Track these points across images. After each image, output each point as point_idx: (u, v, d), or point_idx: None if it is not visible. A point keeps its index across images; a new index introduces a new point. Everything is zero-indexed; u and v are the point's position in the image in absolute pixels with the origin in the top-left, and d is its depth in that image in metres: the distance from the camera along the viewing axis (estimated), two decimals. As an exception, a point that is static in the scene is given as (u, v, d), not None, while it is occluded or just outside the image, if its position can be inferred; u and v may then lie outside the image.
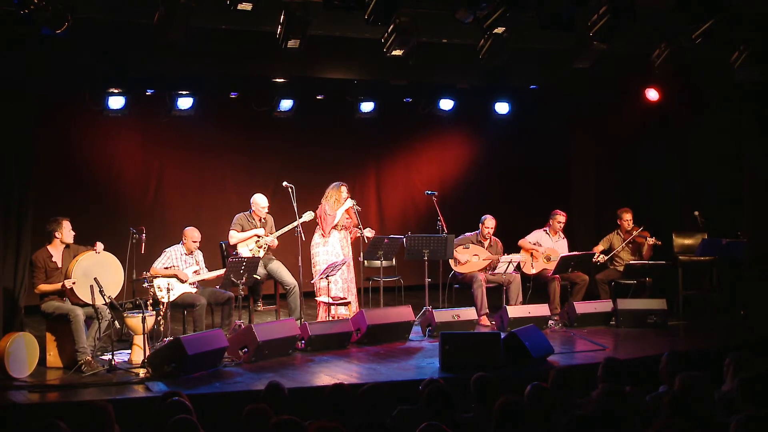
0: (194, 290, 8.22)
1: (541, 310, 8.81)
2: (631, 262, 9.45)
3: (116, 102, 9.32)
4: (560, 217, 9.71)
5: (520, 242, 9.62)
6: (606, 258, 9.60)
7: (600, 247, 9.72)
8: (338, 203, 8.98)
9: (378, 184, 11.93)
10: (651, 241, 9.43)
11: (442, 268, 9.31)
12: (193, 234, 8.36)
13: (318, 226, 9.02)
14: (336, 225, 8.96)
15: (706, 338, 8.53)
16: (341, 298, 8.82)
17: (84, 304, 7.15)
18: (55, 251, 7.33)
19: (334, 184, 9.11)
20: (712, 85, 9.88)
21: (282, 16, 6.97)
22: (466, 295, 9.32)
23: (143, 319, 7.09)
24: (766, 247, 9.57)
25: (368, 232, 8.95)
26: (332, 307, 8.73)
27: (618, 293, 9.43)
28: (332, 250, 8.92)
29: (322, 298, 8.78)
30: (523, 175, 12.13)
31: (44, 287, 7.23)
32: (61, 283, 7.18)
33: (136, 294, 8.49)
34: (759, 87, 9.24)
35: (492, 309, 9.07)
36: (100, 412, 4.20)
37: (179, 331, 8.20)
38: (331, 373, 6.98)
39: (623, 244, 9.58)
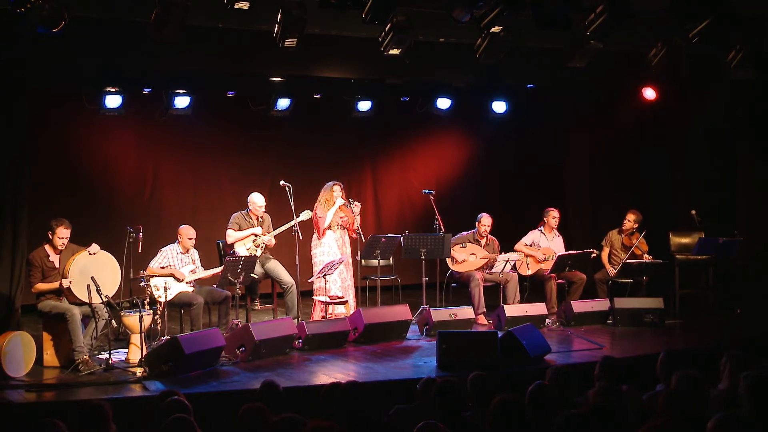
0: (191, 289, 8.21)
1: (538, 309, 8.80)
2: (628, 260, 9.47)
3: (113, 101, 9.32)
4: (554, 213, 9.67)
5: (517, 246, 9.57)
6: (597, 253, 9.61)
7: (605, 251, 9.70)
8: (329, 204, 8.98)
9: (375, 183, 11.93)
10: (647, 258, 9.42)
11: (439, 267, 9.29)
12: (188, 232, 8.33)
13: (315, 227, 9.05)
14: (329, 226, 8.97)
15: (703, 337, 8.55)
16: (339, 297, 8.82)
17: (81, 303, 7.14)
18: (52, 251, 7.31)
19: (327, 184, 9.12)
20: (707, 84, 9.89)
21: (279, 15, 6.97)
22: (464, 294, 9.32)
23: (140, 318, 7.08)
24: (762, 245, 9.59)
25: (355, 207, 8.95)
26: (328, 306, 8.74)
27: (615, 292, 9.44)
28: (329, 250, 8.92)
29: (319, 297, 8.78)
30: (519, 173, 12.13)
31: (41, 286, 7.22)
32: (58, 282, 7.17)
33: (133, 293, 8.48)
34: (754, 86, 9.26)
35: (489, 308, 9.07)
36: (96, 410, 4.19)
37: (176, 330, 8.19)
38: (328, 372, 6.98)
39: (626, 258, 9.52)
